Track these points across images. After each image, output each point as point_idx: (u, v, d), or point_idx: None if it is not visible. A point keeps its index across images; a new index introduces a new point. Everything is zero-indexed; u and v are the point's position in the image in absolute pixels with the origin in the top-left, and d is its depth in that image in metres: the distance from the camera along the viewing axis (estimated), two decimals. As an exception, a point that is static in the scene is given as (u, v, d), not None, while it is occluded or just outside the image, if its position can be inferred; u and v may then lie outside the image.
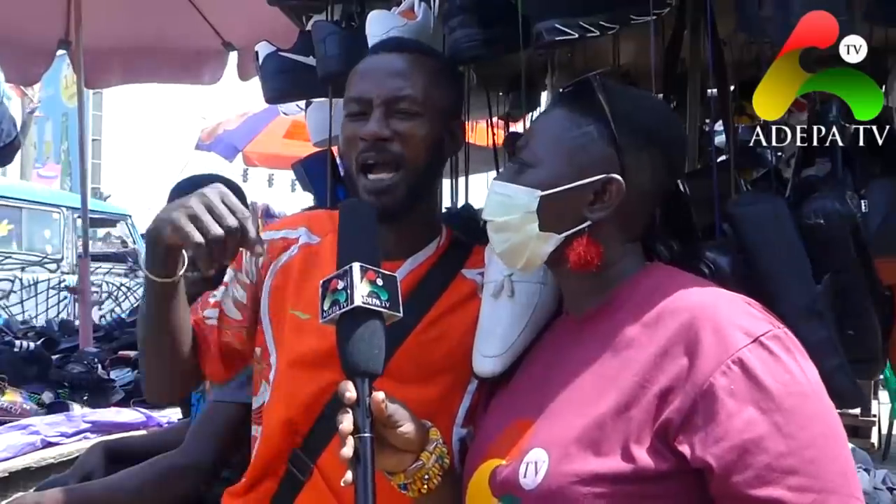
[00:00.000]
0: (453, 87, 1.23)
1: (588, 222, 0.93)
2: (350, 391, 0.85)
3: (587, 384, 0.89)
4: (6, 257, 6.90)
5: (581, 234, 0.94)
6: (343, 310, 0.87)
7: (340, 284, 0.88)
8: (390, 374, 1.11)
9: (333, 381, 1.12)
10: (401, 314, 0.90)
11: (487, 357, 1.05)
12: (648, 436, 0.81)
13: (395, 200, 1.12)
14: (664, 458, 0.80)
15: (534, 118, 2.65)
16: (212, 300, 1.25)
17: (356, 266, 0.88)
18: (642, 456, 0.80)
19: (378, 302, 0.88)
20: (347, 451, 0.82)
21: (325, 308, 0.89)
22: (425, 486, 0.94)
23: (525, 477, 0.86)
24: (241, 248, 1.19)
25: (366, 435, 0.84)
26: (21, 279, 6.93)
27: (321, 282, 0.91)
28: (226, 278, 1.25)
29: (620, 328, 0.90)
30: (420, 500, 0.97)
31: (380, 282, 0.89)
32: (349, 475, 0.82)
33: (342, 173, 1.82)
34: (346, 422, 0.84)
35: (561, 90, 1.02)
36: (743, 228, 1.11)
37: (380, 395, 0.87)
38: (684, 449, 0.79)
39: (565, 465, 0.84)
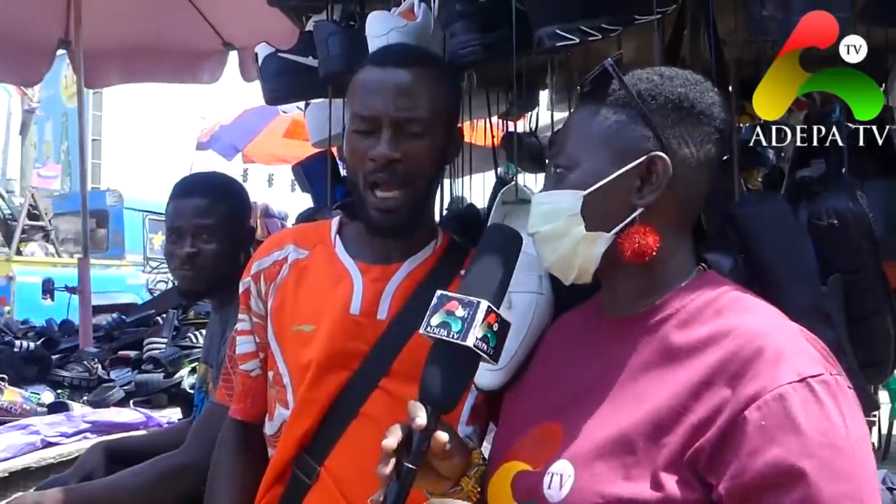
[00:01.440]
0: (454, 94, 1.25)
1: (638, 210, 0.89)
2: (421, 418, 0.83)
3: (621, 396, 0.86)
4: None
5: (632, 225, 0.89)
6: (451, 339, 0.85)
7: (460, 311, 0.85)
8: (395, 374, 1.12)
9: (336, 386, 1.14)
10: (498, 365, 0.89)
11: (491, 370, 1.05)
12: (679, 465, 0.78)
13: (402, 218, 1.15)
14: (692, 488, 0.77)
15: (533, 116, 2.65)
16: (242, 351, 1.29)
17: (484, 305, 0.85)
18: (671, 486, 0.77)
19: (486, 347, 0.85)
20: (387, 469, 0.81)
21: (433, 322, 0.86)
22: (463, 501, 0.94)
23: (549, 488, 0.84)
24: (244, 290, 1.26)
25: (411, 467, 0.83)
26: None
27: (438, 292, 0.89)
28: (243, 326, 1.29)
29: (664, 343, 0.86)
30: None
31: (496, 327, 0.86)
32: (379, 494, 0.82)
33: (343, 174, 1.82)
34: (392, 441, 0.82)
35: (580, 88, 0.98)
36: (746, 229, 1.09)
37: (444, 437, 0.85)
38: (712, 480, 0.77)
39: (592, 485, 0.81)
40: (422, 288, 1.17)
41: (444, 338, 0.85)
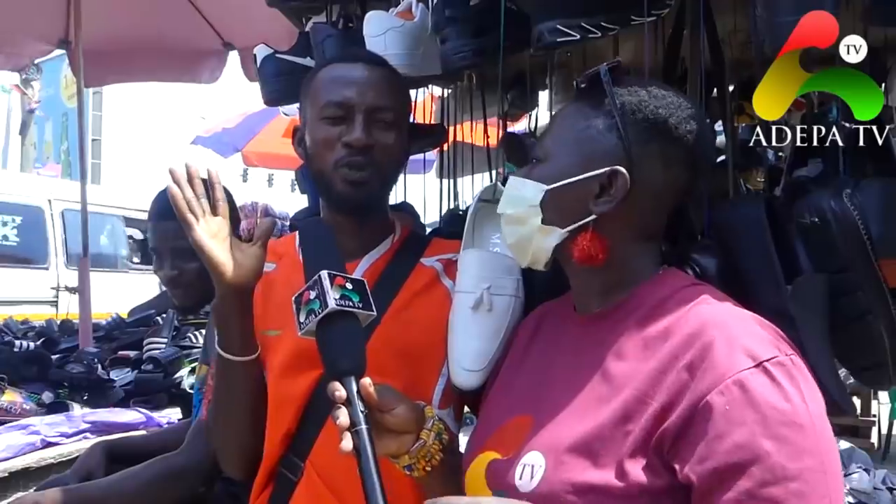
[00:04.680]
0: (409, 98, 1.32)
1: (593, 216, 0.92)
2: (339, 390, 0.88)
3: (590, 389, 0.89)
4: None
5: (586, 229, 0.92)
6: (319, 316, 0.90)
7: (312, 294, 0.92)
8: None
9: (309, 383, 1.16)
10: (374, 313, 0.94)
11: (471, 371, 1.10)
12: (646, 451, 0.80)
13: (369, 194, 1.19)
14: (659, 474, 0.80)
15: (533, 116, 2.66)
16: None
17: (324, 274, 0.92)
18: (637, 472, 0.80)
19: (351, 303, 0.91)
20: (346, 444, 0.85)
21: (302, 320, 0.92)
22: (428, 465, 0.97)
23: (521, 479, 0.86)
24: None
25: (362, 427, 0.86)
26: None
27: (294, 297, 0.95)
28: None
29: (629, 336, 0.89)
30: (425, 480, 0.99)
31: (349, 286, 0.93)
32: (347, 443, 0.85)
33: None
34: (342, 416, 0.86)
35: (576, 85, 1.00)
36: (721, 232, 1.11)
37: (367, 381, 0.90)
38: (676, 464, 0.79)
39: (561, 473, 0.84)
40: (382, 280, 1.21)
41: (315, 321, 0.91)
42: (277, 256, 1.27)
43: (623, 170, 0.90)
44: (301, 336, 0.93)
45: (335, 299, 0.90)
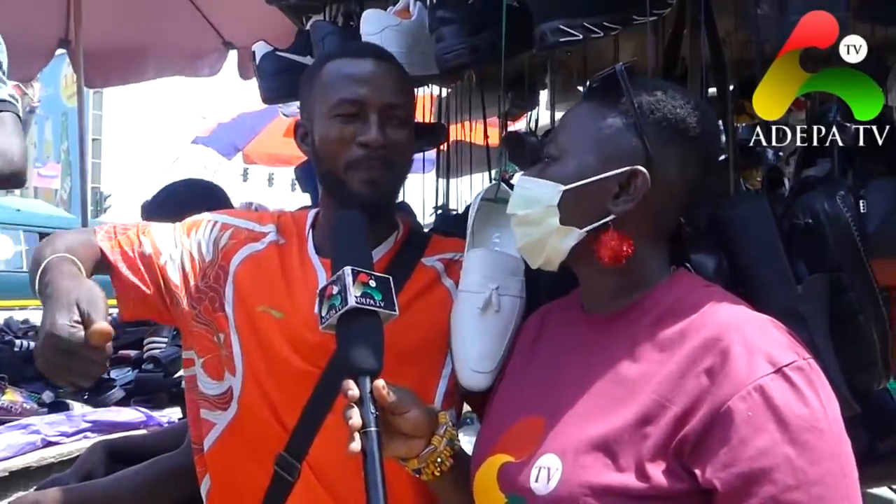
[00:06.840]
0: (414, 94, 1.31)
1: (612, 216, 0.92)
2: (353, 389, 0.88)
3: (604, 390, 0.88)
4: None
5: (605, 229, 0.92)
6: (339, 312, 0.90)
7: (335, 289, 0.92)
8: None
9: (311, 383, 1.14)
10: (396, 313, 0.94)
11: (480, 373, 1.09)
12: (665, 455, 0.81)
13: (383, 193, 1.18)
14: (679, 478, 0.80)
15: (533, 117, 2.66)
16: (160, 245, 1.23)
17: (347, 270, 0.92)
18: (657, 475, 0.80)
19: (372, 302, 0.91)
20: (355, 445, 0.84)
21: (323, 314, 0.92)
22: (438, 470, 0.97)
23: (537, 482, 0.86)
24: (195, 223, 1.24)
25: (371, 429, 0.86)
26: None
27: (318, 291, 0.95)
28: (170, 243, 1.23)
29: (644, 337, 0.89)
30: (434, 482, 0.99)
31: (372, 283, 0.92)
32: (356, 444, 0.85)
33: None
34: (355, 417, 0.86)
35: (589, 84, 1.00)
36: (726, 230, 1.11)
37: (380, 383, 0.89)
38: (697, 469, 0.79)
39: (579, 475, 0.83)
40: None
41: (335, 316, 0.90)
42: (290, 234, 1.25)
43: (643, 169, 0.90)
44: (322, 330, 0.93)
45: (356, 297, 0.90)
